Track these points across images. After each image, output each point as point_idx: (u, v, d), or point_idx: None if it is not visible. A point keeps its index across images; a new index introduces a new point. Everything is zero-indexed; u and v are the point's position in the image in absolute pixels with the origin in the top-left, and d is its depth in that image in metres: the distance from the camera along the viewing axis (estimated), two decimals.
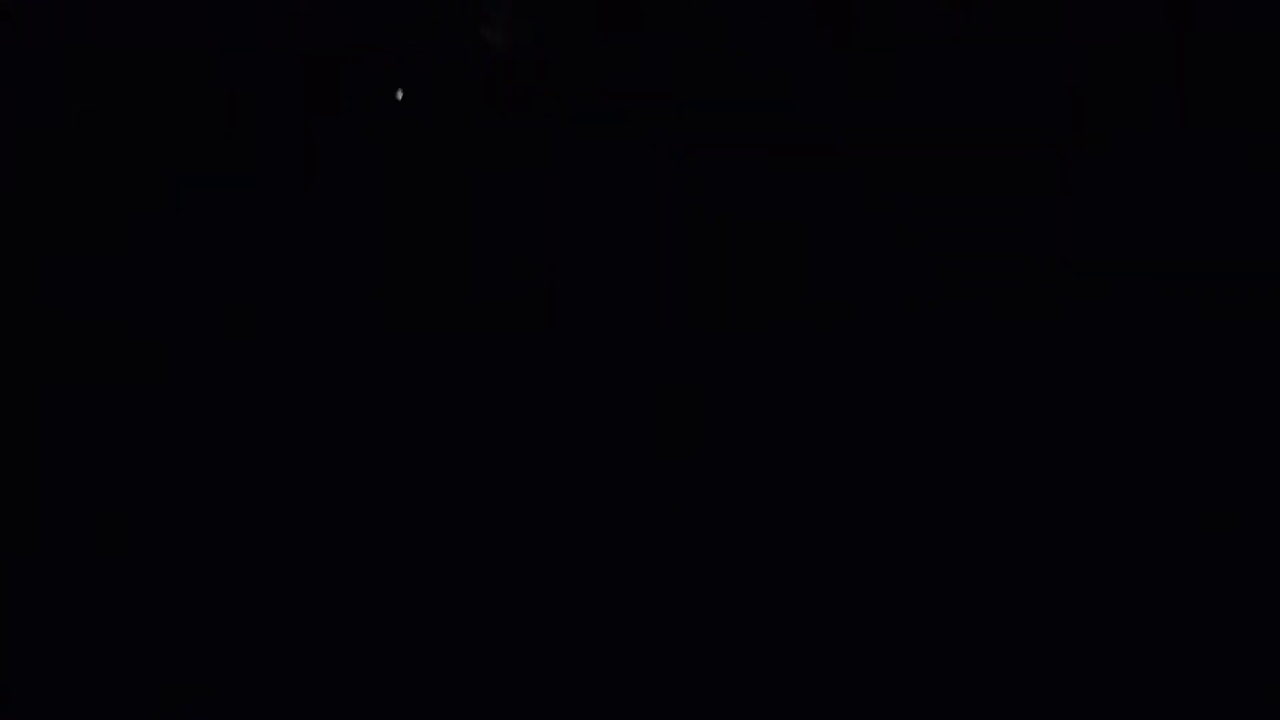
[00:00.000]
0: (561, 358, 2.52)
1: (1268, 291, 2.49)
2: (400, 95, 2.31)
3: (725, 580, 2.43)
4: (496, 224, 2.56)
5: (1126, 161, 2.54)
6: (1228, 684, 2.37)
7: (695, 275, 2.53)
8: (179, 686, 2.40)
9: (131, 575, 2.45)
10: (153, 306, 2.55)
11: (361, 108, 2.60)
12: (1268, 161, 2.50)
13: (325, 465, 2.49)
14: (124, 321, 2.55)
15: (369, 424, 2.51)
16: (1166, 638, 2.40)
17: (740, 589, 2.42)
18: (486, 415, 2.51)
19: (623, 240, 2.54)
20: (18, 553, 2.45)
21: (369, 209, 2.59)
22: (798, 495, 2.46)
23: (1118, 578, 2.42)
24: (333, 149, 2.59)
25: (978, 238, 2.54)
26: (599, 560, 2.45)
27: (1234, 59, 2.51)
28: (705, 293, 2.52)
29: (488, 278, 2.54)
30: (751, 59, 2.58)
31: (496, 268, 2.55)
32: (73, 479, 2.49)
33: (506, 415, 2.51)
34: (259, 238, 2.57)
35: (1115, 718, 2.37)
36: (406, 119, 2.60)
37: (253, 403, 2.51)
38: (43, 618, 2.43)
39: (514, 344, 2.52)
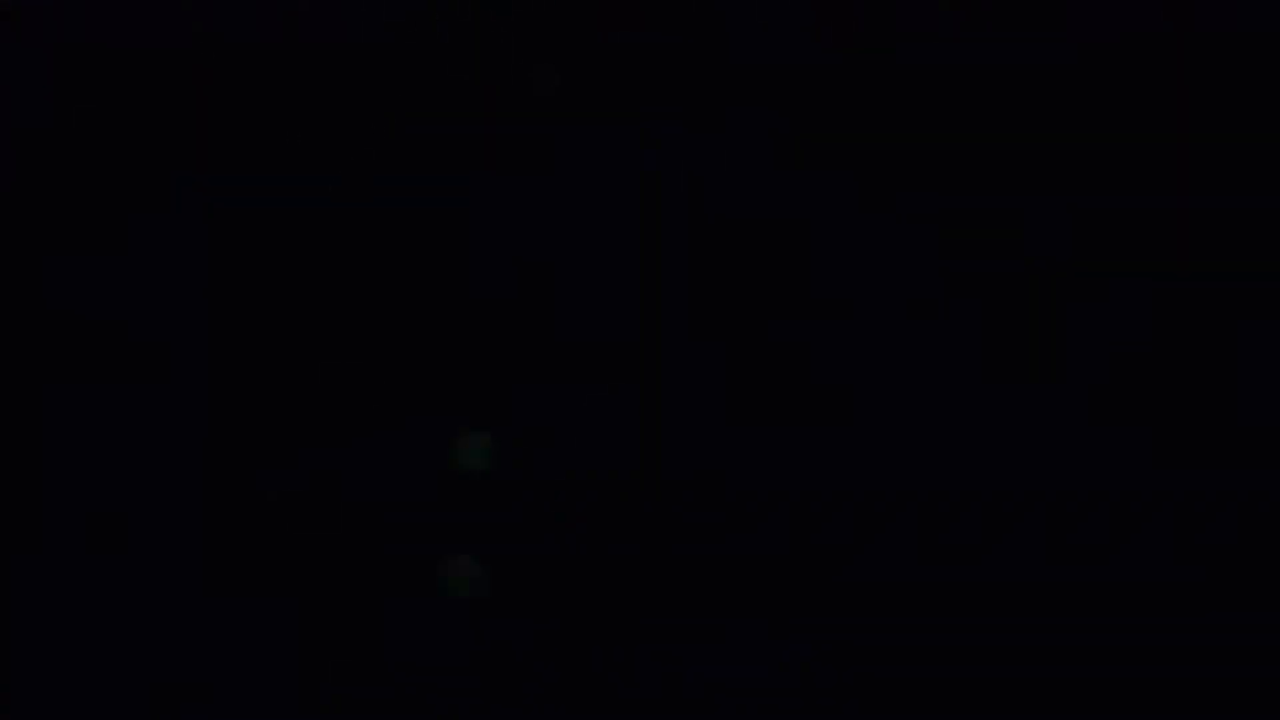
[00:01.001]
0: (562, 355, 2.52)
1: (1266, 291, 2.49)
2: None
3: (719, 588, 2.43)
4: (497, 224, 2.56)
5: (1125, 162, 2.54)
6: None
7: (696, 276, 2.53)
8: (179, 687, 2.40)
9: (131, 575, 2.45)
10: (153, 307, 2.55)
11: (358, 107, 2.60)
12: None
13: (330, 461, 2.49)
14: (124, 321, 2.55)
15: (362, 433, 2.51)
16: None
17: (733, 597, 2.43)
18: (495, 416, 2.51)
19: (622, 240, 2.54)
20: (18, 553, 2.46)
21: (368, 207, 2.59)
22: (798, 495, 2.46)
23: (1116, 579, 2.42)
24: (328, 148, 2.59)
25: (978, 238, 2.54)
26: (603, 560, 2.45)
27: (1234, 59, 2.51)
28: (706, 293, 2.52)
29: (488, 278, 2.54)
30: (750, 57, 2.57)
31: (497, 268, 2.55)
32: (73, 479, 2.49)
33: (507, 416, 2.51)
34: (258, 237, 2.57)
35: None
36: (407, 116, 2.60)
37: (249, 401, 2.51)
38: (42, 618, 2.43)
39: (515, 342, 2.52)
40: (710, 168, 2.54)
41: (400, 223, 2.55)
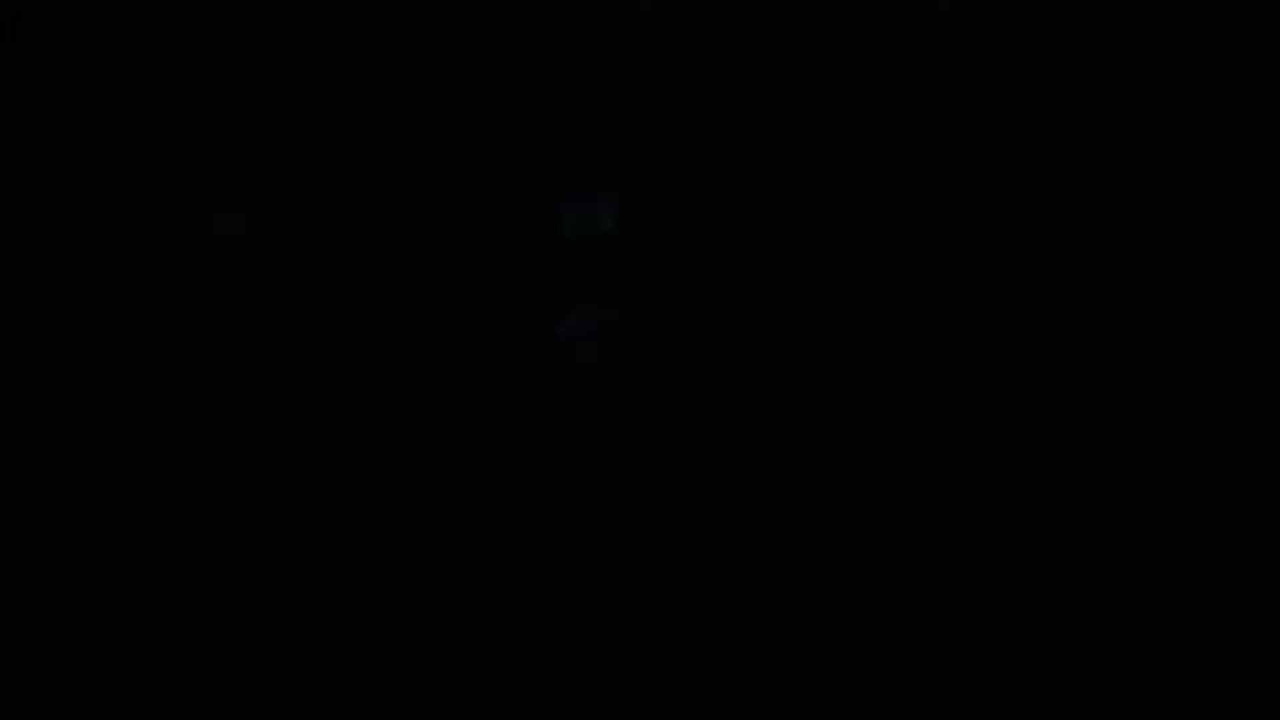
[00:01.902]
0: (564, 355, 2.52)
1: (1265, 290, 2.50)
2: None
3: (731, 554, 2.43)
4: (495, 226, 2.56)
5: (1123, 161, 2.55)
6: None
7: (695, 275, 2.53)
8: (179, 687, 2.40)
9: (132, 575, 2.45)
10: (152, 306, 2.55)
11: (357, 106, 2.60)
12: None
13: (328, 463, 2.49)
14: (124, 321, 2.55)
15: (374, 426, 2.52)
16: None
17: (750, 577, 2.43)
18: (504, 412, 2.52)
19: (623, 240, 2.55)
20: (18, 553, 2.45)
21: (367, 208, 2.59)
22: (801, 492, 2.46)
23: (1115, 576, 2.42)
24: (327, 148, 2.60)
25: (979, 237, 2.55)
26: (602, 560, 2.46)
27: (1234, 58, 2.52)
28: (706, 292, 2.52)
29: (484, 277, 2.55)
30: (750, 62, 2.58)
31: (492, 266, 2.55)
32: (73, 479, 2.49)
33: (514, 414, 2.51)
34: (255, 238, 2.58)
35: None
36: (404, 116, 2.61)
37: (248, 400, 2.51)
38: (43, 618, 2.43)
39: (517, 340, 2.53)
40: (710, 167, 2.55)
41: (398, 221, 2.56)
